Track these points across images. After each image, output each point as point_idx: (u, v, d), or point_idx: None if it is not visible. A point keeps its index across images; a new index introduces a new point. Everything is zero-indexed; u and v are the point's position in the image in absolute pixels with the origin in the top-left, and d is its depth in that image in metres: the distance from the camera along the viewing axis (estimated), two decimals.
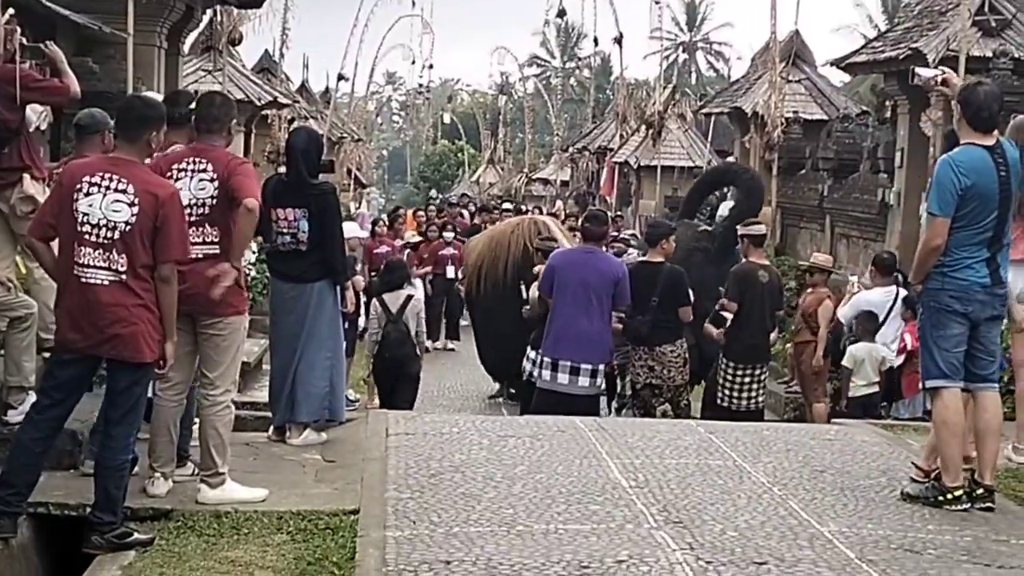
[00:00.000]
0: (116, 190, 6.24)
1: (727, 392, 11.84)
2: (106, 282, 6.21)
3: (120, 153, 6.45)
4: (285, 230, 8.51)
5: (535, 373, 11.28)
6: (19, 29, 7.89)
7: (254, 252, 12.78)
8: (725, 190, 20.32)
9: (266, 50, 27.90)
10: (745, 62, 40.52)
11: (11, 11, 7.94)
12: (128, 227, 6.22)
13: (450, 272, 20.42)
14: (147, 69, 12.31)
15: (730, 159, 27.73)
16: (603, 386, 11.30)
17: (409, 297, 12.38)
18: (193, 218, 6.95)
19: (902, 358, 12.49)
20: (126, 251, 6.22)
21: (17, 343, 7.37)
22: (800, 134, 22.88)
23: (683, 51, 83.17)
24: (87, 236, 6.22)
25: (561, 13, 37.61)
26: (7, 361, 7.40)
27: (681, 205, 17.14)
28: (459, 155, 70.43)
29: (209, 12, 17.22)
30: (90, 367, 6.51)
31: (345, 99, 43.19)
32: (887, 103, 18.99)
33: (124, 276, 6.22)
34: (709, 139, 29.78)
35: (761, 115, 22.16)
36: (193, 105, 7.58)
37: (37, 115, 8.27)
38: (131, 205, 6.22)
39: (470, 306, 16.92)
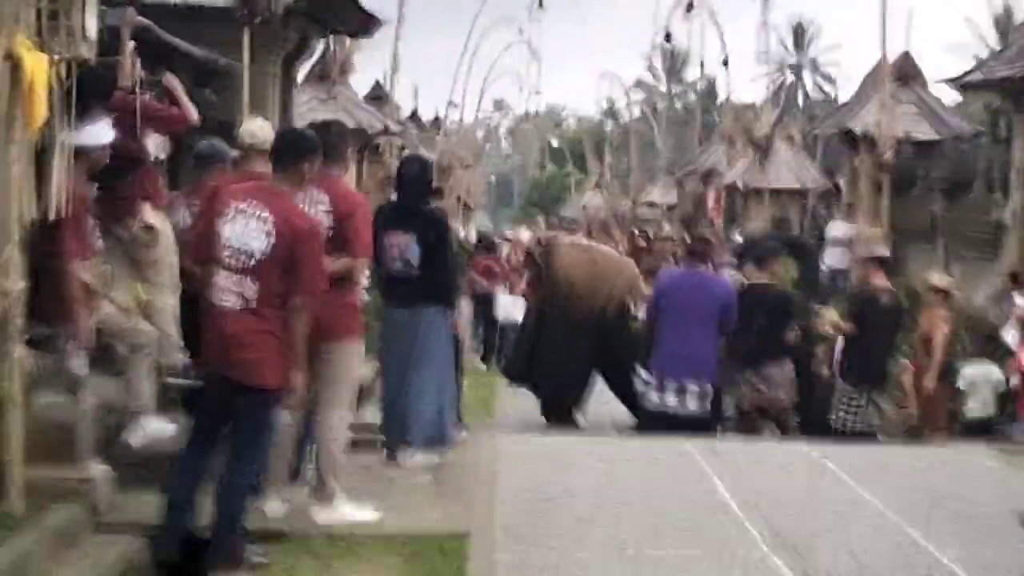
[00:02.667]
0: (257, 218, 6.32)
1: (842, 414, 11.71)
2: (237, 307, 6.30)
3: (274, 182, 6.57)
4: (397, 256, 8.60)
5: (644, 394, 11.26)
6: (139, 61, 8.10)
7: (367, 277, 12.92)
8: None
9: (377, 80, 28.23)
10: (853, 83, 40.00)
11: (132, 43, 8.14)
12: (263, 256, 6.28)
13: None
14: (262, 99, 12.52)
15: (839, 180, 27.44)
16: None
17: None
18: None
19: (1017, 378, 12.26)
20: (259, 279, 6.27)
21: (137, 369, 7.50)
22: (912, 154, 22.54)
23: (790, 72, 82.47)
24: (226, 259, 6.32)
25: (668, 37, 37.42)
26: (128, 386, 7.54)
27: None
28: (566, 179, 70.54)
29: (322, 42, 17.48)
30: (230, 388, 6.56)
31: (454, 126, 43.49)
32: (1001, 122, 18.67)
33: (253, 303, 6.28)
34: (818, 160, 29.46)
35: (872, 136, 21.87)
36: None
37: (156, 145, 8.48)
38: (268, 235, 6.28)
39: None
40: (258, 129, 8.01)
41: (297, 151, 6.59)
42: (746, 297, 11.13)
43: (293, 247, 6.29)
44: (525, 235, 20.10)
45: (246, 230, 6.31)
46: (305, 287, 6.33)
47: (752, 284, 11.74)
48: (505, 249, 23.01)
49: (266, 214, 6.33)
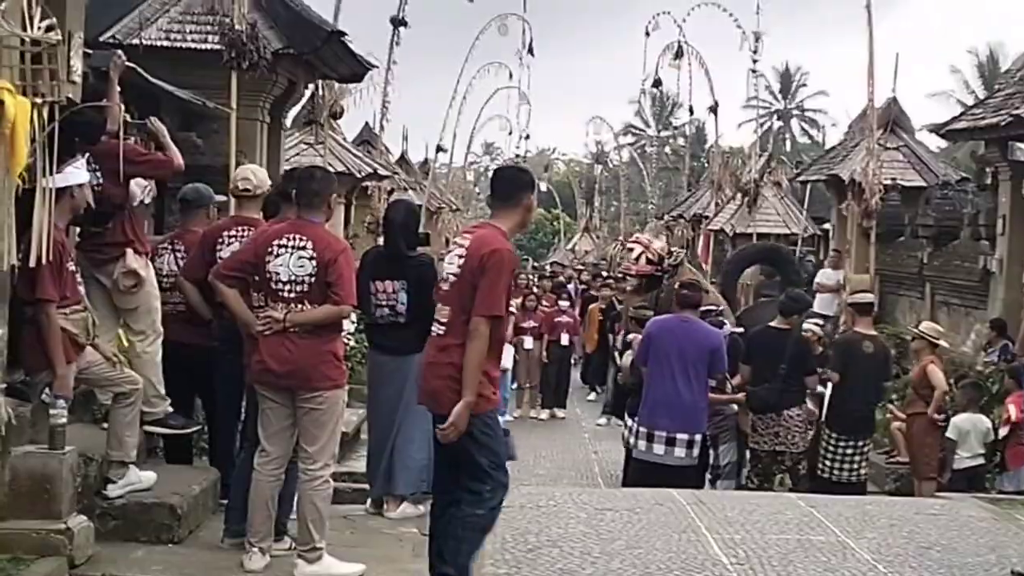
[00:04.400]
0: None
1: (828, 463, 11.65)
2: None
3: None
4: (384, 303, 8.54)
5: (631, 443, 11.18)
6: (124, 105, 8.04)
7: (353, 323, 12.85)
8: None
9: (367, 123, 28.19)
10: (839, 129, 40.24)
11: (118, 88, 8.09)
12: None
13: (564, 339, 20.63)
14: (250, 143, 12.45)
15: (827, 226, 27.49)
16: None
17: None
18: (292, 295, 6.95)
19: (1006, 429, 12.19)
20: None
21: (121, 418, 7.39)
22: (898, 201, 22.61)
23: (777, 119, 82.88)
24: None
25: (657, 83, 37.48)
26: (110, 435, 7.42)
27: (722, 276, 17.00)
28: (555, 223, 70.68)
29: (311, 86, 17.45)
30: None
31: (444, 169, 43.52)
32: (987, 169, 18.70)
33: None
34: (805, 206, 29.54)
35: (859, 182, 21.94)
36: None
37: (141, 189, 8.41)
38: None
39: None
40: (251, 175, 8.04)
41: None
42: (762, 341, 11.18)
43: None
44: (658, 243, 20.05)
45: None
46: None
47: (770, 327, 11.79)
48: (636, 250, 22.50)
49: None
